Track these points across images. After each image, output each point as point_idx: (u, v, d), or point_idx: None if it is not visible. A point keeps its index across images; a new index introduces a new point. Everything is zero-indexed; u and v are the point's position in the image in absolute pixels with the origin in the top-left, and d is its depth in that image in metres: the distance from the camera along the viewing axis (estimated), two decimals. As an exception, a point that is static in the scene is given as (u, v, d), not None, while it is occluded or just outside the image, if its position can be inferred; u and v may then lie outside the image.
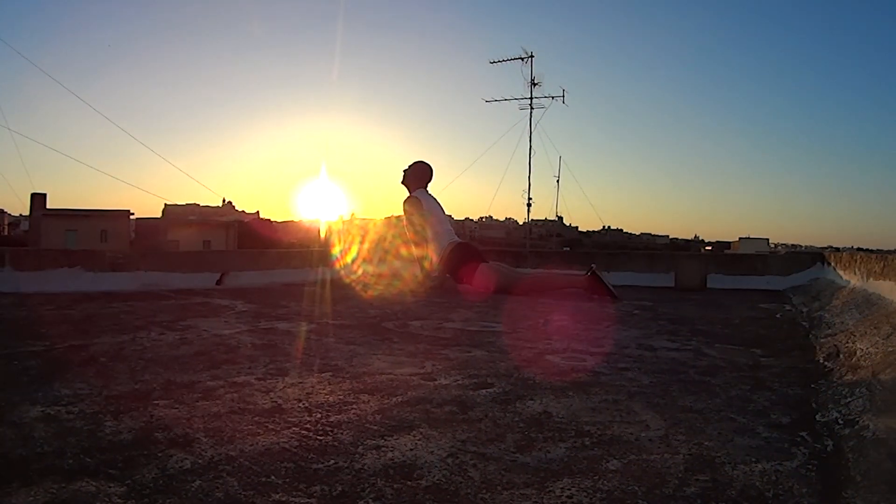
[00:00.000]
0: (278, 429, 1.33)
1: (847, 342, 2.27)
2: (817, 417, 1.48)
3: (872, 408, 1.42)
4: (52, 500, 0.97)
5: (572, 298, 4.37)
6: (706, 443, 1.29)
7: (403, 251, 6.16)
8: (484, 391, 1.68)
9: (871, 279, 3.48)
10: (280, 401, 1.54)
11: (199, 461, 1.14)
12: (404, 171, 5.18)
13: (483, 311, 3.48)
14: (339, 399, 1.58)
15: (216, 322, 2.84)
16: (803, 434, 1.35)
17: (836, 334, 2.53)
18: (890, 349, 1.91)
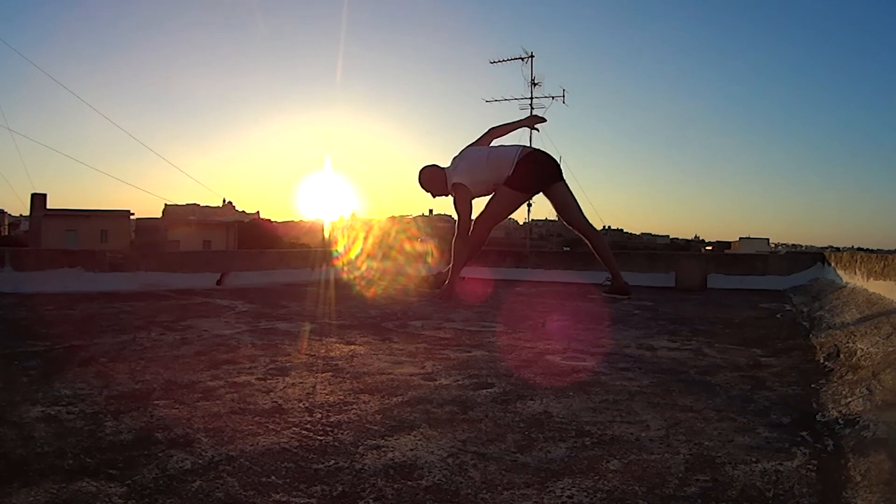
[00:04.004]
0: (279, 429, 1.33)
1: (847, 342, 2.27)
2: (817, 417, 1.48)
3: (872, 408, 1.42)
4: (53, 500, 0.97)
5: (572, 299, 4.37)
6: (706, 443, 1.29)
7: (407, 247, 6.13)
8: (484, 391, 1.68)
9: (872, 279, 3.48)
10: (280, 401, 1.54)
11: (200, 461, 1.14)
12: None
13: (483, 312, 3.48)
14: (340, 399, 1.58)
15: (216, 322, 2.84)
16: (803, 434, 1.35)
17: (836, 334, 2.53)
18: (890, 349, 1.91)
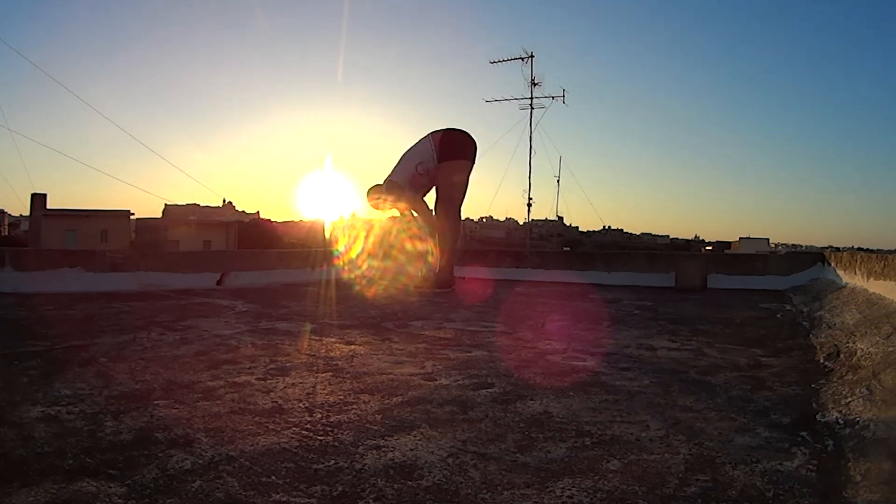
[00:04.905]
0: (279, 429, 1.33)
1: (847, 342, 2.27)
2: (817, 417, 1.48)
3: (872, 408, 1.42)
4: (53, 500, 0.97)
5: (572, 299, 4.37)
6: (706, 443, 1.29)
7: (408, 246, 6.13)
8: (484, 391, 1.68)
9: (872, 279, 3.48)
10: (280, 401, 1.55)
11: (200, 461, 1.14)
12: None
13: (483, 312, 3.48)
14: (340, 399, 1.58)
15: (216, 322, 2.84)
16: (803, 434, 1.35)
17: (836, 334, 2.53)
18: (890, 349, 1.91)
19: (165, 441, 1.24)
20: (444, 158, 4.31)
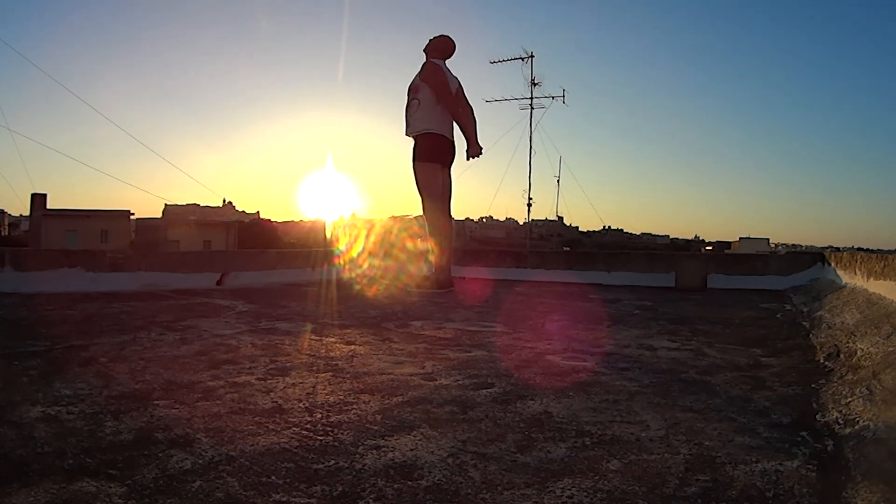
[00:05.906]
0: (279, 429, 1.33)
1: (847, 342, 2.27)
2: (817, 417, 1.48)
3: (872, 408, 1.42)
4: (53, 500, 0.97)
5: (572, 299, 4.37)
6: (706, 443, 1.29)
7: (409, 245, 6.13)
8: (484, 391, 1.68)
9: (872, 279, 3.48)
10: (280, 401, 1.54)
11: (200, 461, 1.14)
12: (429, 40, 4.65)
13: (483, 312, 3.48)
14: (340, 399, 1.58)
15: (217, 322, 2.84)
16: (803, 434, 1.35)
17: (836, 334, 2.53)
18: (890, 349, 1.91)
19: (165, 441, 1.23)
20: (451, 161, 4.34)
